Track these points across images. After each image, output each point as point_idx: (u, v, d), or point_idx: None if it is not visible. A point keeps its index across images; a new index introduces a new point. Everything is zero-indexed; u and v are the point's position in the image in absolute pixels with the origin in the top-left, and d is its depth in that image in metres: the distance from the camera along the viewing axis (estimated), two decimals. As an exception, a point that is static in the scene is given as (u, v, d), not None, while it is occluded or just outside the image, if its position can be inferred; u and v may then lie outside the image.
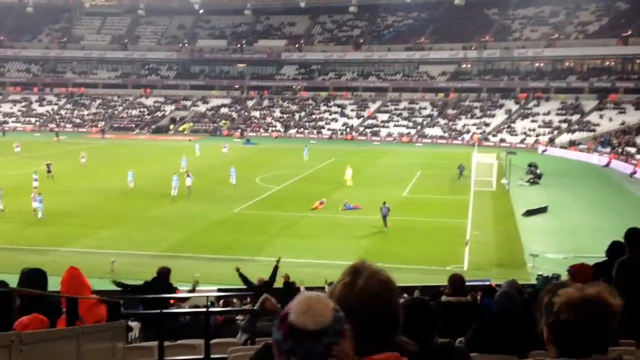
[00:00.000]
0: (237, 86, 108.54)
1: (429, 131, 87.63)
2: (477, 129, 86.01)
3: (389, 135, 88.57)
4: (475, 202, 41.09)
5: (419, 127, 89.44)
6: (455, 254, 29.04)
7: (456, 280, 7.38)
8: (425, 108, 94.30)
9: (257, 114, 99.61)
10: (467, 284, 8.07)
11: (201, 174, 52.47)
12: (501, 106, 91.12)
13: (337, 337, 2.06)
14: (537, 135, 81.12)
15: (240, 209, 38.90)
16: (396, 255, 28.66)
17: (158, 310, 9.14)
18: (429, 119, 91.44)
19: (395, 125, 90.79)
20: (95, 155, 64.68)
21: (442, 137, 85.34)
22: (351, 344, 2.11)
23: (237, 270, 16.04)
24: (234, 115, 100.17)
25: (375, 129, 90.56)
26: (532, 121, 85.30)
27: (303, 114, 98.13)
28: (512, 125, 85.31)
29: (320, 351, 2.03)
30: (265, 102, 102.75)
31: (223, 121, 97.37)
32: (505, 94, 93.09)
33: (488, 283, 15.87)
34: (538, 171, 52.16)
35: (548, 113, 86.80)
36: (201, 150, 66.24)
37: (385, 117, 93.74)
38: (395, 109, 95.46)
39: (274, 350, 2.09)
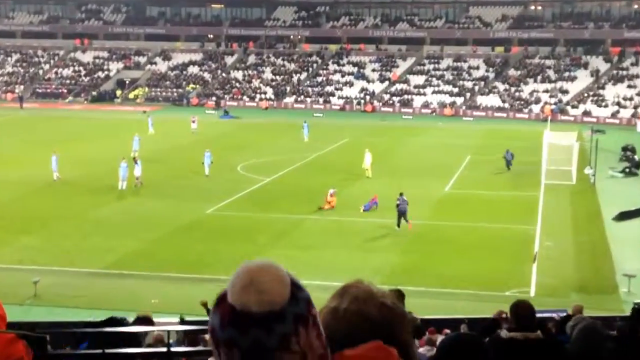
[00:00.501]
0: (210, 36, 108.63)
1: (482, 100, 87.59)
2: (551, 97, 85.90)
3: (426, 105, 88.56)
4: (546, 201, 41.00)
5: (468, 94, 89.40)
6: (518, 273, 29.04)
7: (522, 310, 7.35)
8: (477, 68, 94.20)
9: (239, 75, 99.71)
10: (537, 315, 8.05)
11: (161, 159, 52.45)
12: (585, 65, 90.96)
13: (297, 325, 2.06)
14: (636, 107, 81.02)
15: (215, 208, 39.01)
16: (436, 275, 28.70)
17: (100, 351, 9.17)
18: (482, 83, 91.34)
19: (434, 92, 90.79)
20: (9, 132, 64.82)
21: (500, 109, 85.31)
22: (320, 335, 2.12)
23: (204, 305, 16.34)
24: (207, 77, 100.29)
25: (406, 97, 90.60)
26: (629, 86, 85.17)
27: (304, 75, 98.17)
28: (601, 92, 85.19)
29: (273, 344, 2.04)
30: (251, 59, 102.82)
31: (191, 85, 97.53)
32: (590, 48, 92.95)
33: (565, 314, 15.91)
34: (637, 157, 52.05)
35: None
36: (157, 126, 66.39)
37: (420, 80, 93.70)
38: (435, 70, 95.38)
39: (210, 340, 2.11)
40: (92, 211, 38.16)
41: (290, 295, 2.08)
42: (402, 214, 34.80)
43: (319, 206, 38.79)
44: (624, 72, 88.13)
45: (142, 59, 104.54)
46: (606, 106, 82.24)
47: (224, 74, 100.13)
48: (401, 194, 35.42)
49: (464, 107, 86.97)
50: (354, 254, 31.47)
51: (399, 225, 34.74)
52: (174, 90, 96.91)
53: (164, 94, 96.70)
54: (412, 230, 34.49)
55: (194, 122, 66.82)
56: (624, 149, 54.82)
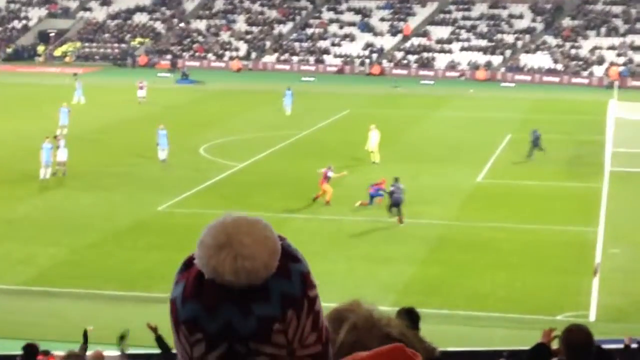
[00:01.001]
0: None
1: (526, 60, 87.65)
2: (619, 56, 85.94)
3: (452, 67, 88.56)
4: (612, 194, 41.01)
5: (508, 52, 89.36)
6: (574, 291, 29.12)
7: (576, 338, 7.40)
8: (520, 16, 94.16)
9: (202, 25, 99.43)
10: (598, 345, 8.08)
11: (97, 139, 52.28)
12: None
13: (285, 308, 2.02)
14: None
15: (170, 204, 38.98)
16: (465, 293, 28.78)
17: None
18: (527, 36, 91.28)
19: (463, 49, 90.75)
20: None
21: (551, 72, 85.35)
22: (317, 327, 2.07)
23: (153, 330, 16.39)
24: (159, 28, 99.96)
25: (425, 55, 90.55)
26: None
27: (290, 26, 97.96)
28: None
29: (249, 330, 2.00)
30: (218, 4, 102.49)
31: (138, 39, 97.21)
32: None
33: (637, 345, 16.00)
34: None
35: None
36: (91, 94, 66.16)
37: (444, 33, 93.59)
38: (464, 19, 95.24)
39: (170, 316, 2.10)
40: (4, 208, 37.99)
41: (279, 265, 2.06)
42: (395, 204, 35.56)
43: (314, 196, 38.80)
44: None
45: (73, 4, 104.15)
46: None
47: (181, 24, 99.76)
48: (396, 180, 36.20)
49: (502, 69, 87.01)
50: (357, 264, 31.51)
51: (392, 212, 35.83)
52: (116, 45, 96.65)
53: (101, 50, 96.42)
54: (423, 234, 34.53)
55: (141, 88, 66.67)
56: None
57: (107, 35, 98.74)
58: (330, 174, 39.04)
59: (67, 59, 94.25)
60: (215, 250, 2.03)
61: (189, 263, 2.10)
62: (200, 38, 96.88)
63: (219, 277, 2.01)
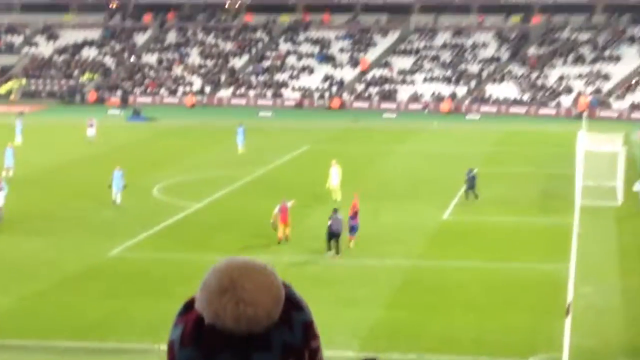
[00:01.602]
0: (113, 5, 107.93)
1: (492, 91, 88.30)
2: (587, 85, 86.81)
3: (415, 99, 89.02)
4: (583, 230, 41.26)
5: (472, 82, 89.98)
6: (546, 331, 29.14)
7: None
8: (484, 45, 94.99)
9: (153, 59, 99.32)
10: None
11: (42, 180, 51.92)
12: (631, 40, 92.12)
13: (287, 358, 2.04)
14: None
15: (122, 248, 38.78)
16: (434, 336, 28.74)
17: None
18: (492, 66, 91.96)
19: (426, 80, 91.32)
20: None
21: (517, 103, 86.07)
22: None
23: None
24: (109, 63, 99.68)
25: (387, 87, 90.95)
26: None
27: (245, 59, 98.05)
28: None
29: None
30: (171, 37, 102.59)
31: (87, 75, 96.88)
32: (639, 17, 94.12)
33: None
34: None
35: None
36: (37, 134, 65.68)
37: (406, 63, 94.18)
38: (427, 48, 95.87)
39: (167, 357, 2.13)
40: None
41: (282, 314, 2.05)
42: (334, 236, 36.48)
43: (278, 237, 38.97)
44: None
45: (17, 39, 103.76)
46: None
47: (133, 58, 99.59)
48: (335, 211, 37.47)
49: (467, 101, 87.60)
50: (320, 308, 30.90)
51: (330, 249, 36.96)
52: (63, 82, 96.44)
53: (47, 87, 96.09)
54: (388, 275, 34.50)
55: (91, 126, 66.37)
56: (688, 155, 55.49)
57: (54, 71, 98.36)
58: (288, 204, 39.41)
59: (11, 97, 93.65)
60: (218, 294, 2.05)
61: (189, 305, 2.12)
62: (152, 73, 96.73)
63: (220, 323, 2.03)
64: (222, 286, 2.04)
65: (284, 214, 39.08)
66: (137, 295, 32.71)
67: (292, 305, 2.08)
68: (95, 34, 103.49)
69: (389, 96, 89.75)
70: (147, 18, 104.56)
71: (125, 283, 34.11)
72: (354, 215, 38.37)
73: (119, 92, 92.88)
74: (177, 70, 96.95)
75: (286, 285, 2.11)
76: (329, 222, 37.01)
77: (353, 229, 38.20)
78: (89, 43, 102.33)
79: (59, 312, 31.18)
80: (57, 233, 41.18)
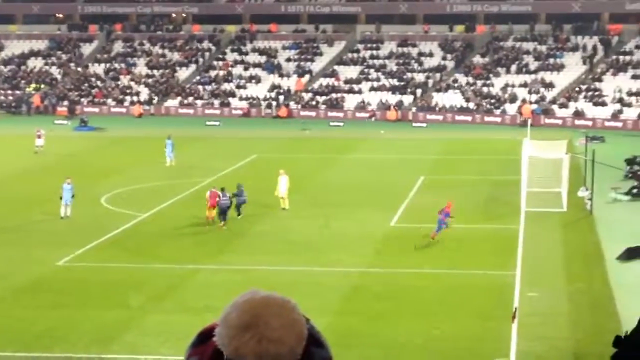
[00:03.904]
0: (60, 15, 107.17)
1: (438, 99, 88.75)
2: (531, 93, 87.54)
3: (362, 107, 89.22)
4: (528, 236, 41.56)
5: (418, 91, 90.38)
6: (493, 336, 29.24)
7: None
8: (430, 55, 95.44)
9: (100, 70, 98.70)
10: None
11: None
12: (574, 49, 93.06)
13: None
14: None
15: (70, 258, 38.43)
16: (381, 343, 28.70)
17: None
18: (437, 75, 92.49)
19: (372, 89, 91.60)
20: None
21: (463, 111, 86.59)
22: None
23: None
24: (56, 73, 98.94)
25: (334, 96, 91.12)
26: (634, 77, 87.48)
27: (193, 68, 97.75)
28: (597, 85, 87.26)
29: None
30: (117, 47, 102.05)
31: (33, 85, 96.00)
32: (581, 27, 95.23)
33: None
34: (647, 173, 53.37)
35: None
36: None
37: (352, 72, 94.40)
38: (373, 58, 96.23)
39: None
40: None
41: (303, 351, 2.00)
42: (223, 211, 42.79)
43: (206, 218, 43.43)
44: (627, 58, 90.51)
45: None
46: (604, 104, 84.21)
47: (79, 69, 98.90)
48: (222, 190, 43.50)
49: (413, 109, 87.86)
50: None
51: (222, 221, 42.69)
52: (9, 92, 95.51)
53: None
54: (336, 282, 34.47)
55: (39, 137, 65.81)
56: (630, 162, 55.96)
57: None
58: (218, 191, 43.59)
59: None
60: (240, 330, 1.99)
61: (205, 337, 2.04)
62: (98, 83, 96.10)
63: (240, 359, 1.95)
64: (245, 322, 1.99)
65: (212, 200, 43.18)
66: (85, 304, 32.45)
67: (313, 342, 2.05)
68: (41, 45, 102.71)
69: (336, 105, 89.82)
70: (94, 28, 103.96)
71: (73, 293, 33.84)
72: (446, 215, 40.06)
73: (65, 103, 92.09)
74: (124, 80, 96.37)
75: (307, 320, 2.06)
76: (219, 196, 42.64)
77: (440, 226, 39.87)
78: (35, 53, 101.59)
79: (7, 324, 30.86)
80: (5, 244, 40.80)
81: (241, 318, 1.99)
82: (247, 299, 2.04)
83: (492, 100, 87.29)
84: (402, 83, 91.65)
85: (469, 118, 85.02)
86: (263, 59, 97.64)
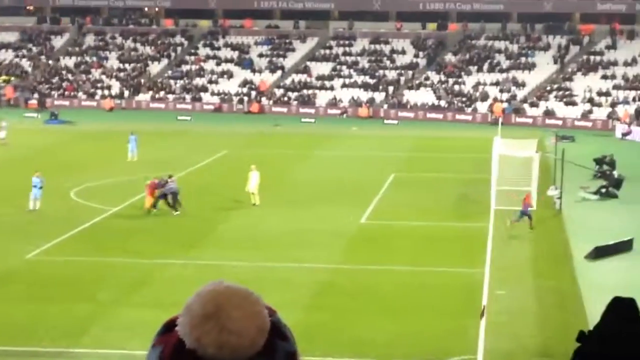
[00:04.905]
0: (30, 7, 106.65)
1: (410, 97, 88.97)
2: (502, 92, 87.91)
3: (334, 104, 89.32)
4: (497, 234, 41.76)
5: (390, 88, 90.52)
6: (460, 334, 29.32)
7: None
8: (402, 52, 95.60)
9: (71, 63, 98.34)
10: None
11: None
12: (546, 48, 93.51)
13: None
14: (614, 105, 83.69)
15: (39, 252, 38.24)
16: (350, 339, 28.76)
17: None
18: (409, 72, 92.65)
19: (345, 86, 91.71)
20: None
21: (435, 108, 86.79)
22: None
23: None
24: (26, 65, 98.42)
25: (306, 92, 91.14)
26: (604, 77, 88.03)
27: (164, 63, 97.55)
28: (567, 84, 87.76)
29: None
30: (89, 41, 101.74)
31: (3, 77, 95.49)
32: (553, 26, 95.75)
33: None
34: (615, 173, 53.59)
35: (634, 62, 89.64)
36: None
37: (325, 69, 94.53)
38: (345, 55, 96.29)
39: None
40: None
41: (266, 342, 1.98)
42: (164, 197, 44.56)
43: (146, 207, 44.48)
44: (597, 58, 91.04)
45: None
46: (575, 104, 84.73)
47: (50, 62, 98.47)
48: (170, 176, 45.38)
49: (385, 106, 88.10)
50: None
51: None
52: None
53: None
54: (306, 279, 34.52)
55: (2, 129, 65.61)
56: (599, 162, 56.36)
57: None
58: (156, 181, 45.44)
59: None
60: (201, 320, 1.99)
61: (169, 326, 2.03)
62: (69, 76, 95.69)
63: (201, 349, 1.96)
64: (207, 312, 1.99)
65: (151, 189, 44.67)
66: (53, 298, 32.28)
67: (277, 335, 2.03)
68: (11, 37, 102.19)
69: (307, 101, 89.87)
70: (65, 21, 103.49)
71: (42, 286, 33.67)
72: (527, 205, 42.53)
73: (35, 95, 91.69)
74: (96, 73, 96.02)
75: (271, 313, 2.04)
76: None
77: (523, 214, 42.00)
78: (5, 46, 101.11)
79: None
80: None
81: (204, 308, 2.00)
82: (211, 289, 2.06)
83: (464, 99, 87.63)
84: (374, 80, 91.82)
85: (441, 116, 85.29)
86: (235, 54, 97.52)
